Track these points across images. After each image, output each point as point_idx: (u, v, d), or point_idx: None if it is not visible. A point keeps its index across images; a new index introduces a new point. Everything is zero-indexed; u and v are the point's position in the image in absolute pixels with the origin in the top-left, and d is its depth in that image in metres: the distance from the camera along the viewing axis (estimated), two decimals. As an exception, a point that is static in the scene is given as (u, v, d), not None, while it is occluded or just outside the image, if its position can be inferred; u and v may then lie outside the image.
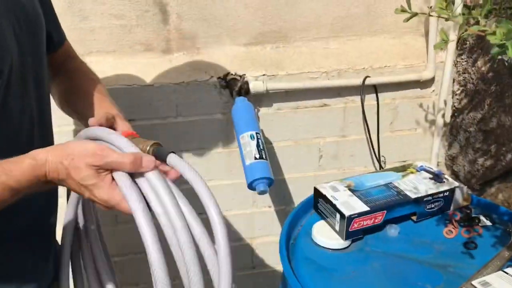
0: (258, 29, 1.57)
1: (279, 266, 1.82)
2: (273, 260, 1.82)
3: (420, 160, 1.43)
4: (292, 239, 1.19)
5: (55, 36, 1.04)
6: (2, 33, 0.76)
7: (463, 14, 0.66)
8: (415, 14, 0.73)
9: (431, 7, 0.85)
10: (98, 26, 1.48)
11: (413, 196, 1.20)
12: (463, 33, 0.66)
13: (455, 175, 1.70)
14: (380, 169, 1.68)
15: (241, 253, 1.78)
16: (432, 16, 0.69)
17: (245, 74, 1.51)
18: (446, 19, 0.71)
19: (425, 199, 1.20)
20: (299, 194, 1.71)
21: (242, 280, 1.82)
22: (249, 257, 1.80)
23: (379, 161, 1.68)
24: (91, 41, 1.50)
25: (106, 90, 1.08)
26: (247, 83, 1.47)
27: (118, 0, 1.46)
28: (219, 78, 1.51)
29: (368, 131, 1.64)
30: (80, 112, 1.00)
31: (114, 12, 1.47)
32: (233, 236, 1.74)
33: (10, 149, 0.76)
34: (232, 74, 1.52)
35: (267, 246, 1.79)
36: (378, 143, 1.66)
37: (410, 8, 0.74)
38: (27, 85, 0.85)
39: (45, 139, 0.94)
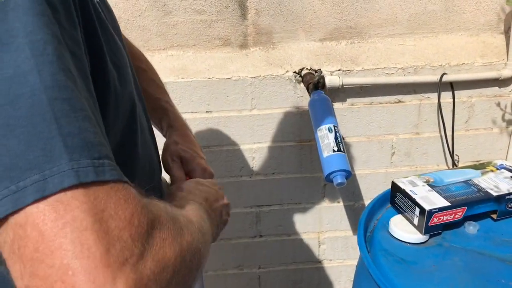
0: (334, 24, 1.59)
1: (345, 261, 1.83)
2: (340, 254, 1.83)
3: (496, 159, 1.40)
4: (368, 232, 1.20)
5: None
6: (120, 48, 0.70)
7: None
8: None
9: (521, 2, 0.84)
10: (181, 20, 1.54)
11: (494, 193, 1.18)
12: None
13: (533, 177, 1.65)
14: (453, 167, 1.66)
15: (308, 246, 1.80)
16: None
17: (320, 69, 1.53)
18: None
19: (506, 197, 1.18)
20: (369, 191, 1.71)
21: (307, 273, 1.84)
22: (316, 251, 1.81)
23: (452, 159, 1.65)
24: (173, 35, 1.56)
25: (164, 91, 1.11)
26: (323, 77, 1.49)
27: (200, -4, 1.52)
28: (294, 72, 1.54)
29: (444, 128, 1.62)
30: None
31: (196, 8, 1.53)
32: (300, 228, 1.77)
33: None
34: (307, 69, 1.54)
35: (334, 241, 1.80)
36: (453, 142, 1.63)
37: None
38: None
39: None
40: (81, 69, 0.48)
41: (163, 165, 0.97)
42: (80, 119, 0.44)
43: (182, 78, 1.52)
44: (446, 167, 1.70)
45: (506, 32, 1.61)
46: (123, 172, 0.47)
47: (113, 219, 0.43)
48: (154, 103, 1.05)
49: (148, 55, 1.56)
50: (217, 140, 1.61)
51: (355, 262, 1.25)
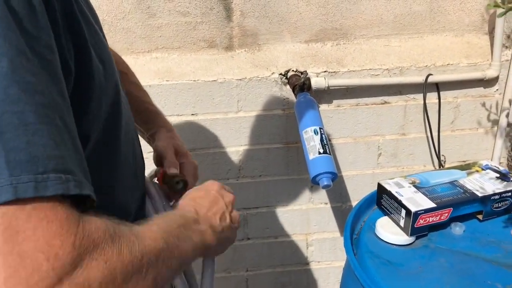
0: (319, 26, 1.59)
1: (333, 262, 1.83)
2: (328, 256, 1.82)
3: (480, 160, 1.41)
4: (355, 234, 1.19)
5: None
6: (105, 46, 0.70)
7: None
8: (510, 9, 0.72)
9: (504, 1, 0.84)
10: (165, 23, 1.53)
11: (479, 194, 1.18)
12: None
13: (518, 177, 1.66)
14: (440, 168, 1.66)
15: (296, 248, 1.79)
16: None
17: (306, 71, 1.53)
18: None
19: (492, 198, 1.18)
20: (356, 192, 1.71)
21: (295, 275, 1.84)
22: (304, 252, 1.81)
23: (439, 160, 1.66)
24: (157, 37, 1.55)
25: (147, 94, 1.10)
26: (309, 79, 1.49)
27: (184, -2, 1.51)
28: (280, 74, 1.54)
29: (430, 129, 1.62)
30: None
31: (181, 10, 1.51)
32: (288, 230, 1.76)
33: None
34: (293, 70, 1.54)
35: (322, 242, 1.80)
36: (439, 142, 1.64)
37: (504, 3, 0.73)
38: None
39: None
40: (51, 73, 0.47)
41: (157, 152, 0.98)
42: (30, 133, 0.43)
43: (167, 80, 1.51)
44: (433, 168, 1.71)
45: (490, 33, 1.62)
46: (106, 167, 0.46)
47: (30, 240, 0.42)
48: (140, 105, 1.04)
49: (133, 58, 1.55)
50: (203, 143, 1.60)
51: (343, 263, 1.24)
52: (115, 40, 1.53)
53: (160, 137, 1.01)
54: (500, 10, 0.75)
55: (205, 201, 0.81)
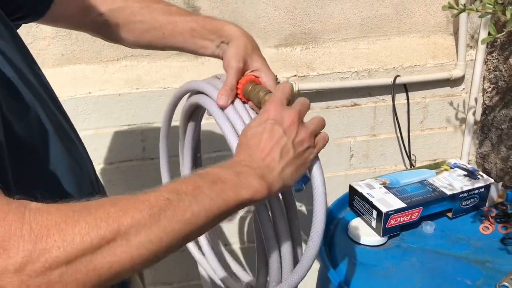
0: (288, 30, 1.60)
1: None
2: (304, 259, 1.83)
3: (450, 158, 1.44)
4: (328, 237, 1.21)
5: None
6: None
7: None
8: (463, 10, 0.75)
9: (464, 4, 0.86)
10: (133, 30, 1.52)
11: (448, 192, 1.20)
12: (511, 27, 0.67)
13: (487, 173, 1.69)
14: (410, 167, 1.69)
15: (273, 252, 1.80)
16: (479, 12, 0.70)
17: (276, 76, 1.53)
18: (492, 15, 0.72)
19: (460, 195, 1.21)
20: (330, 194, 1.70)
21: (273, 279, 1.84)
22: (281, 256, 1.81)
23: (409, 159, 1.68)
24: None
25: (177, 10, 0.98)
26: (279, 84, 1.49)
27: (152, 5, 1.50)
28: (250, 79, 1.54)
29: (399, 130, 1.65)
30: (181, 47, 0.97)
31: (149, 17, 1.50)
32: (264, 235, 1.77)
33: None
34: (263, 75, 1.54)
35: (298, 245, 1.80)
36: (409, 142, 1.66)
37: (457, 5, 0.76)
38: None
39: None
40: None
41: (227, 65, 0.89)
42: None
43: (137, 88, 1.50)
44: (404, 167, 1.74)
45: (455, 33, 1.66)
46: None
47: None
48: (185, 25, 0.95)
49: (101, 66, 1.54)
50: (177, 151, 1.59)
51: (318, 265, 1.25)
52: (82, 48, 1.51)
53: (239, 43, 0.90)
54: (454, 11, 0.77)
55: (259, 140, 0.73)
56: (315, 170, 0.81)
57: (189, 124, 1.03)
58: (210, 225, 0.64)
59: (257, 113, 0.84)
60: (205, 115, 0.98)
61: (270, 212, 0.82)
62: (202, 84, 0.89)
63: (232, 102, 0.84)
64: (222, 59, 0.93)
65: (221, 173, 0.66)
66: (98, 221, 0.52)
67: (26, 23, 0.90)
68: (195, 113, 1.02)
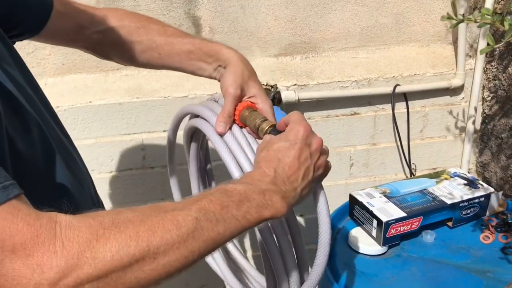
0: (288, 40, 1.60)
1: (310, 274, 1.83)
2: (305, 268, 1.83)
3: (450, 167, 1.44)
4: (329, 246, 1.20)
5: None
6: None
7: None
8: (461, 21, 0.75)
9: (463, 14, 0.87)
10: (134, 40, 1.52)
11: (448, 201, 1.20)
12: (509, 38, 0.67)
13: (487, 182, 1.70)
14: (411, 176, 1.69)
15: (273, 261, 1.79)
16: (477, 22, 0.71)
17: (276, 85, 1.54)
18: (491, 25, 0.73)
19: (460, 204, 1.21)
20: (331, 202, 1.70)
21: None
22: (281, 265, 1.81)
23: (410, 168, 1.68)
24: (127, 55, 1.54)
25: (177, 32, 1.01)
26: (279, 93, 1.50)
27: (152, 14, 1.50)
28: (251, 88, 1.54)
29: (399, 138, 1.65)
30: (178, 68, 0.99)
31: (149, 27, 1.51)
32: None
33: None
34: (263, 84, 1.54)
35: (299, 254, 1.80)
36: (409, 151, 1.67)
37: (456, 16, 0.76)
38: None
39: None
40: None
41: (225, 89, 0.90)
42: None
43: (137, 98, 1.50)
44: (404, 176, 1.74)
45: (454, 43, 1.67)
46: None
47: None
48: (183, 47, 0.97)
49: (102, 76, 1.55)
50: (177, 159, 1.59)
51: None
52: (83, 58, 1.52)
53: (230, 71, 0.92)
54: (453, 22, 0.78)
55: (288, 157, 0.75)
56: (321, 196, 0.87)
57: (192, 143, 1.06)
58: (230, 240, 0.67)
59: (254, 138, 0.88)
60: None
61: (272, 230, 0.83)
62: (201, 109, 0.92)
63: (230, 128, 0.87)
64: (219, 81, 0.95)
65: (248, 191, 0.68)
66: (128, 239, 0.54)
67: (22, 40, 0.91)
68: (197, 131, 1.04)
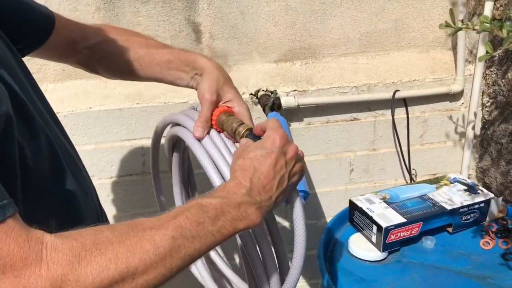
0: (288, 46, 1.61)
1: (311, 280, 1.83)
2: (305, 274, 1.82)
3: (450, 172, 1.44)
4: (328, 252, 1.20)
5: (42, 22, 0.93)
6: None
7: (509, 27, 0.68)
8: (459, 29, 0.75)
9: (462, 20, 0.87)
10: (134, 46, 1.53)
11: (448, 207, 1.20)
12: (508, 45, 0.67)
13: (487, 187, 1.69)
14: (411, 181, 1.69)
15: (273, 267, 1.79)
16: (475, 30, 0.71)
17: (276, 90, 1.54)
18: (490, 32, 0.73)
19: (460, 210, 1.21)
20: (331, 208, 1.72)
21: (274, 294, 1.83)
22: (281, 271, 1.81)
23: (410, 174, 1.68)
24: (127, 61, 1.54)
25: (155, 44, 1.04)
26: (279, 98, 1.50)
27: (152, 21, 1.51)
28: (250, 94, 1.55)
29: (399, 144, 1.65)
30: (159, 78, 1.03)
31: (149, 33, 1.52)
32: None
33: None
34: (263, 90, 1.55)
35: (299, 260, 1.79)
36: (409, 156, 1.67)
37: (454, 23, 0.76)
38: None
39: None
40: None
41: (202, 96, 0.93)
42: None
43: (137, 103, 1.51)
44: (404, 182, 1.73)
45: (454, 48, 1.67)
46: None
47: None
48: (162, 57, 1.01)
49: (102, 82, 1.55)
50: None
51: (320, 281, 1.25)
52: (84, 64, 1.52)
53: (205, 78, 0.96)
54: (451, 30, 0.78)
55: (264, 166, 0.76)
56: (296, 202, 0.88)
57: (174, 153, 1.09)
58: (205, 254, 0.70)
59: (232, 142, 0.90)
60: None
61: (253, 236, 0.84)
62: (179, 116, 0.95)
63: (208, 133, 0.90)
64: (196, 90, 0.98)
65: (223, 205, 0.70)
66: (108, 262, 0.56)
67: (23, 56, 0.91)
68: (178, 142, 1.07)
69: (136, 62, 0.99)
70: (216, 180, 0.83)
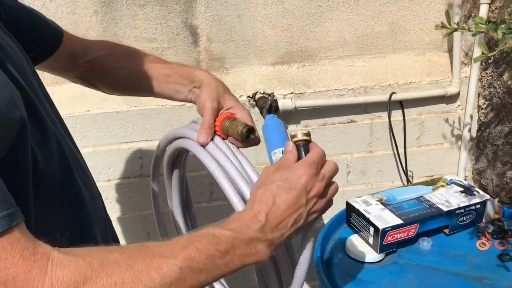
0: (285, 48, 1.62)
1: (310, 282, 1.83)
2: (302, 276, 1.82)
3: (447, 174, 1.45)
4: (326, 253, 1.21)
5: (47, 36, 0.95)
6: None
7: (503, 28, 0.69)
8: (455, 30, 0.76)
9: (457, 23, 0.88)
10: (132, 49, 1.53)
11: (445, 209, 1.21)
12: (503, 46, 0.68)
13: (483, 189, 1.70)
14: (407, 183, 1.70)
15: (271, 269, 1.79)
16: (471, 31, 0.72)
17: (273, 93, 1.55)
18: (485, 34, 0.74)
19: (457, 211, 1.22)
20: (328, 210, 1.72)
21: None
22: (279, 273, 1.81)
23: (406, 176, 1.69)
24: (125, 64, 1.55)
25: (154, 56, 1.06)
26: (276, 101, 1.51)
27: (150, 24, 1.52)
28: (248, 97, 1.55)
29: (396, 146, 1.66)
30: (157, 92, 1.02)
31: (147, 36, 1.52)
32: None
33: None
34: (260, 93, 1.56)
35: (296, 262, 1.80)
36: (405, 158, 1.67)
37: (450, 25, 0.77)
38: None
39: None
40: None
41: (201, 106, 0.93)
42: None
43: (135, 106, 1.51)
44: (401, 184, 1.74)
45: (450, 51, 1.68)
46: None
47: None
48: (160, 71, 1.01)
49: (100, 85, 1.55)
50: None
51: (317, 283, 1.25)
52: (81, 67, 1.53)
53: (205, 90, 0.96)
54: (447, 31, 0.79)
55: (283, 202, 0.74)
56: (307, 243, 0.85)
57: (174, 172, 1.08)
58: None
59: (237, 146, 0.90)
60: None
61: None
62: (181, 130, 0.94)
63: (212, 139, 0.89)
64: (195, 103, 0.98)
65: (235, 240, 0.69)
66: (113, 286, 0.56)
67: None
68: (177, 161, 1.07)
69: (135, 76, 1.00)
70: (224, 183, 0.83)
